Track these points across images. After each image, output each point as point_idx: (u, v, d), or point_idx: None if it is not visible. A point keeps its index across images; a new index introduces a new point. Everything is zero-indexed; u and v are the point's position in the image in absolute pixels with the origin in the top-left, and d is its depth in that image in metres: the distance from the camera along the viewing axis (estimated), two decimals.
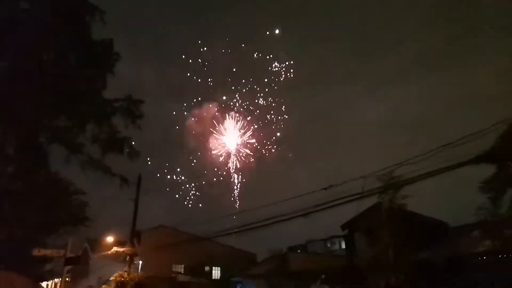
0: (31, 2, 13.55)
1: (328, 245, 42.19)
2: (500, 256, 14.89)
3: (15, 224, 21.09)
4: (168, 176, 38.45)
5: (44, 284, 31.04)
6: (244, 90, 40.00)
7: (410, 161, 10.90)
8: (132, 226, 21.59)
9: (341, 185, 12.43)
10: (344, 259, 25.76)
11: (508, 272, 13.40)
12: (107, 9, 14.46)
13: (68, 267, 22.60)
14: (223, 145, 39.04)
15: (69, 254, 19.25)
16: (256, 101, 40.21)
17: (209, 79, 39.80)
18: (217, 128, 38.74)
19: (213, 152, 39.04)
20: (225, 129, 39.75)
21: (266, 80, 40.54)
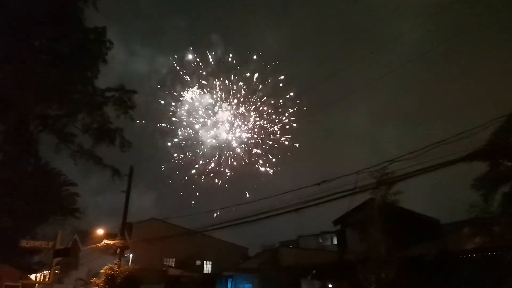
0: None
1: (320, 240, 42.58)
2: (489, 253, 15.13)
3: (3, 214, 20.95)
4: (162, 167, 38.26)
5: (33, 276, 30.91)
6: (237, 85, 39.83)
7: (403, 157, 11.02)
8: (123, 218, 21.60)
9: (334, 180, 12.55)
10: (336, 254, 25.99)
11: (496, 269, 13.65)
12: None
13: (57, 259, 22.62)
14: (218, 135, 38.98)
15: (58, 246, 19.23)
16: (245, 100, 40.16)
17: (203, 72, 39.56)
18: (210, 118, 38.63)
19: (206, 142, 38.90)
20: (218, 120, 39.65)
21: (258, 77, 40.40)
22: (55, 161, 23.04)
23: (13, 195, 19.21)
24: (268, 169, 36.24)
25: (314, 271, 22.81)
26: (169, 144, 37.05)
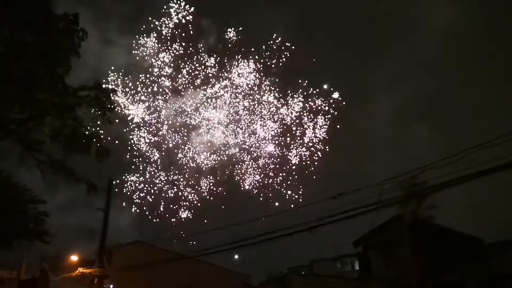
0: None
1: (338, 265, 42.29)
2: None
3: None
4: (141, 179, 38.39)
5: None
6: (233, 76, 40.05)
7: (436, 164, 10.90)
8: (100, 241, 21.49)
9: (353, 193, 12.44)
10: (358, 282, 25.79)
11: None
12: None
13: None
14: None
15: (23, 276, 19.18)
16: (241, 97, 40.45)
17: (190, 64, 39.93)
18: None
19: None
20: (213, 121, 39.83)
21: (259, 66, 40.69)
22: (18, 174, 23.07)
23: None
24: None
25: None
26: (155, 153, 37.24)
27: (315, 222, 13.37)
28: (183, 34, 41.29)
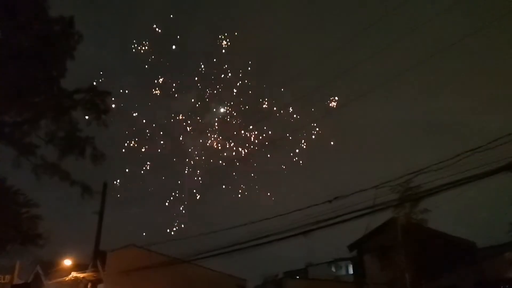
0: None
1: (333, 269, 42.27)
2: None
3: None
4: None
5: None
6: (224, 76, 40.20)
7: (431, 168, 10.96)
8: (95, 245, 21.41)
9: (349, 197, 12.47)
10: (352, 286, 25.82)
11: None
12: None
13: None
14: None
15: (17, 280, 19.03)
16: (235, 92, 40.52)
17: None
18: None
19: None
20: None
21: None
22: (13, 177, 22.90)
23: None
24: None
25: None
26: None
27: (309, 226, 13.40)
28: None
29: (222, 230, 18.05)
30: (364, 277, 23.46)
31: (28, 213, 25.95)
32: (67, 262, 24.80)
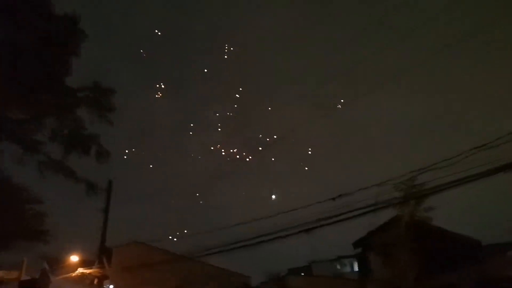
0: None
1: (337, 266, 42.18)
2: None
3: None
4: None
5: None
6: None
7: (436, 165, 10.85)
8: (101, 242, 21.43)
9: (353, 194, 12.39)
10: (356, 283, 25.73)
11: None
12: None
13: None
14: None
15: (24, 277, 19.08)
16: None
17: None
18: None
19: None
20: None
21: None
22: (18, 174, 22.97)
23: None
24: None
25: None
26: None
27: (313, 223, 13.32)
28: None
29: (226, 227, 18.01)
30: (368, 274, 23.38)
31: (33, 210, 26.09)
32: (74, 258, 24.87)
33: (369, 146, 72.22)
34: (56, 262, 33.37)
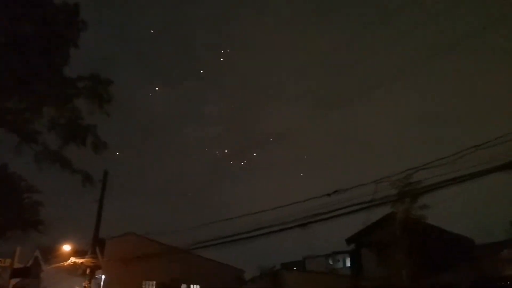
0: None
1: (330, 262, 42.47)
2: None
3: None
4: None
5: None
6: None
7: (432, 164, 10.95)
8: (94, 232, 21.48)
9: (348, 190, 12.48)
10: (349, 279, 25.92)
11: None
12: None
13: (15, 280, 22.52)
14: None
15: (16, 265, 19.14)
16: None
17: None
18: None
19: None
20: None
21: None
22: (15, 163, 22.96)
23: None
24: None
25: None
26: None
27: (308, 218, 13.42)
28: None
29: (221, 220, 18.09)
30: (361, 271, 23.56)
31: (30, 199, 26.12)
32: (66, 248, 24.93)
33: (366, 143, 72.54)
34: (49, 251, 33.46)
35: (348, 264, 34.82)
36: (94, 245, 21.09)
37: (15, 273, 19.21)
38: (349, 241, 25.27)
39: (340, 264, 41.16)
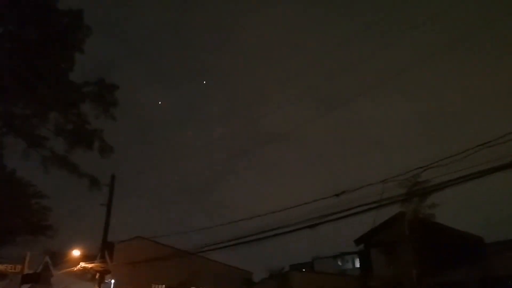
0: None
1: (339, 263, 42.32)
2: None
3: None
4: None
5: None
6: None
7: (440, 162, 10.86)
8: (103, 237, 21.54)
9: (356, 191, 12.39)
10: (358, 280, 25.80)
11: None
12: None
13: (26, 286, 22.63)
14: None
15: (27, 270, 19.25)
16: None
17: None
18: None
19: None
20: None
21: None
22: (22, 169, 23.10)
23: None
24: None
25: None
26: None
27: (316, 219, 13.35)
28: None
29: (229, 223, 18.06)
30: (371, 271, 23.43)
31: (38, 205, 26.25)
32: (76, 253, 25.04)
33: (374, 143, 72.24)
34: (58, 257, 33.62)
35: (357, 264, 34.67)
36: (104, 249, 21.14)
37: (26, 279, 19.32)
38: (358, 241, 25.16)
39: (349, 265, 41.00)
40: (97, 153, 17.09)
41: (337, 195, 12.57)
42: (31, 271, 20.33)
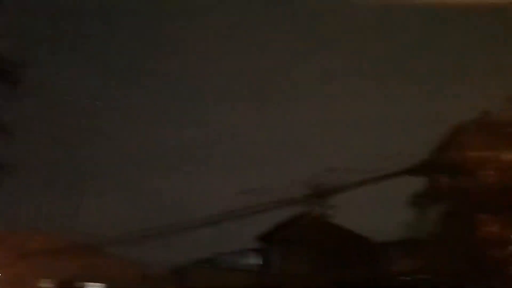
0: None
1: (241, 259, 42.67)
2: (422, 277, 16.40)
3: None
4: None
5: None
6: None
7: (343, 166, 11.42)
8: None
9: (259, 190, 12.61)
10: (258, 276, 26.26)
11: None
12: None
13: None
14: None
15: None
16: None
17: None
18: None
19: None
20: None
21: None
22: None
23: None
24: None
25: None
26: None
27: (220, 217, 13.39)
28: None
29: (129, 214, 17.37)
30: (270, 267, 23.95)
31: None
32: None
33: (299, 145, 73.47)
34: None
35: (259, 261, 35.24)
36: None
37: None
38: (259, 239, 25.64)
39: (251, 261, 41.52)
40: None
41: (242, 193, 12.72)
42: None
